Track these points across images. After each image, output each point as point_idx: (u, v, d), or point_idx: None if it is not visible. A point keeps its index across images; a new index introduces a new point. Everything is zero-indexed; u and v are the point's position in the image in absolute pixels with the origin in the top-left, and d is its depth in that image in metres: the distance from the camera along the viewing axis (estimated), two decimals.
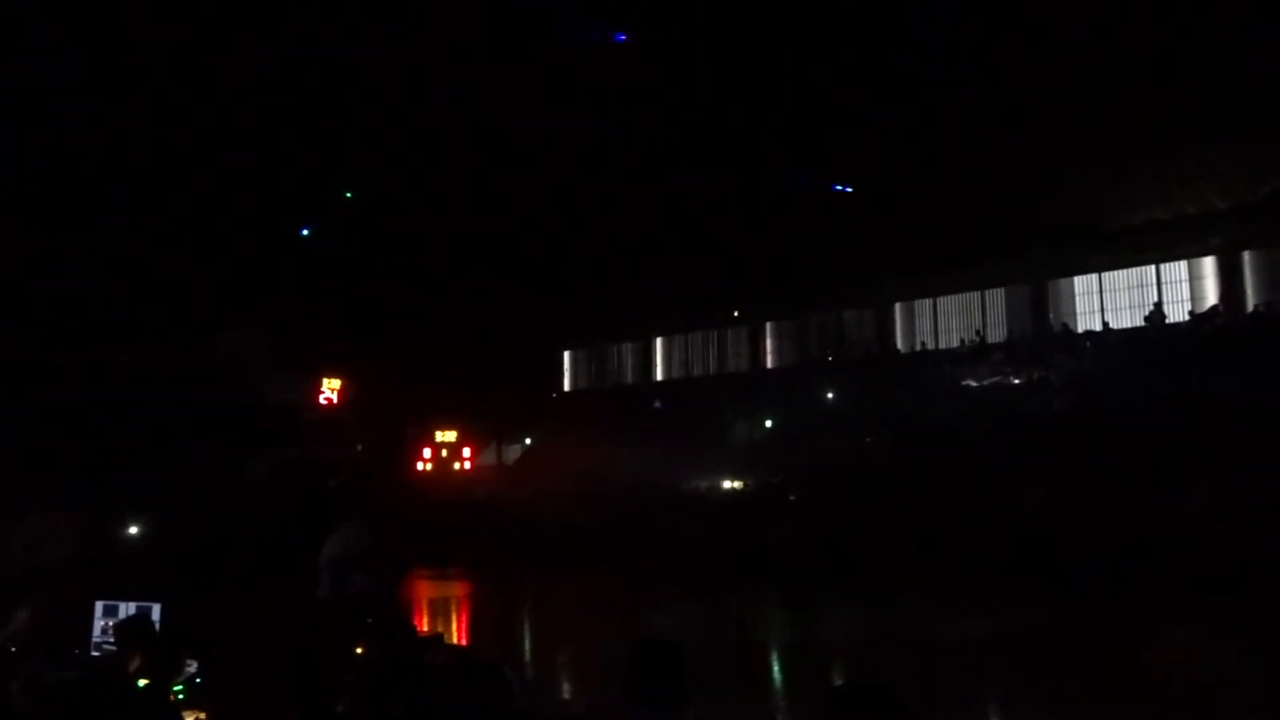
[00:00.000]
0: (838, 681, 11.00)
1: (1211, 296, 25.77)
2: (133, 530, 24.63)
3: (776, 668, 13.80)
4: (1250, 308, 24.91)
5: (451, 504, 32.43)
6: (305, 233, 24.31)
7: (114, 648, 4.95)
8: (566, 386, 40.59)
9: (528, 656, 14.95)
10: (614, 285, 30.67)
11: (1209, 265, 26.05)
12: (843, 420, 27.81)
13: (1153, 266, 26.78)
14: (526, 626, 18.66)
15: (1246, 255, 25.43)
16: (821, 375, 30.61)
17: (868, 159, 21.88)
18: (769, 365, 34.56)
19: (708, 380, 35.12)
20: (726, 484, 28.11)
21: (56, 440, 22.08)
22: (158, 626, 5.19)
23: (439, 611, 20.35)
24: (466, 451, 36.04)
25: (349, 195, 24.52)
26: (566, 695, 11.17)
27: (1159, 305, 26.17)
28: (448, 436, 35.76)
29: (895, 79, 18.81)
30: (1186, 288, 26.35)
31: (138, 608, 5.62)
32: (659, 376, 37.63)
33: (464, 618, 20.21)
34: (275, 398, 30.65)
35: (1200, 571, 16.17)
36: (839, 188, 23.32)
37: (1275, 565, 15.67)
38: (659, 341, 37.72)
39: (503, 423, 37.31)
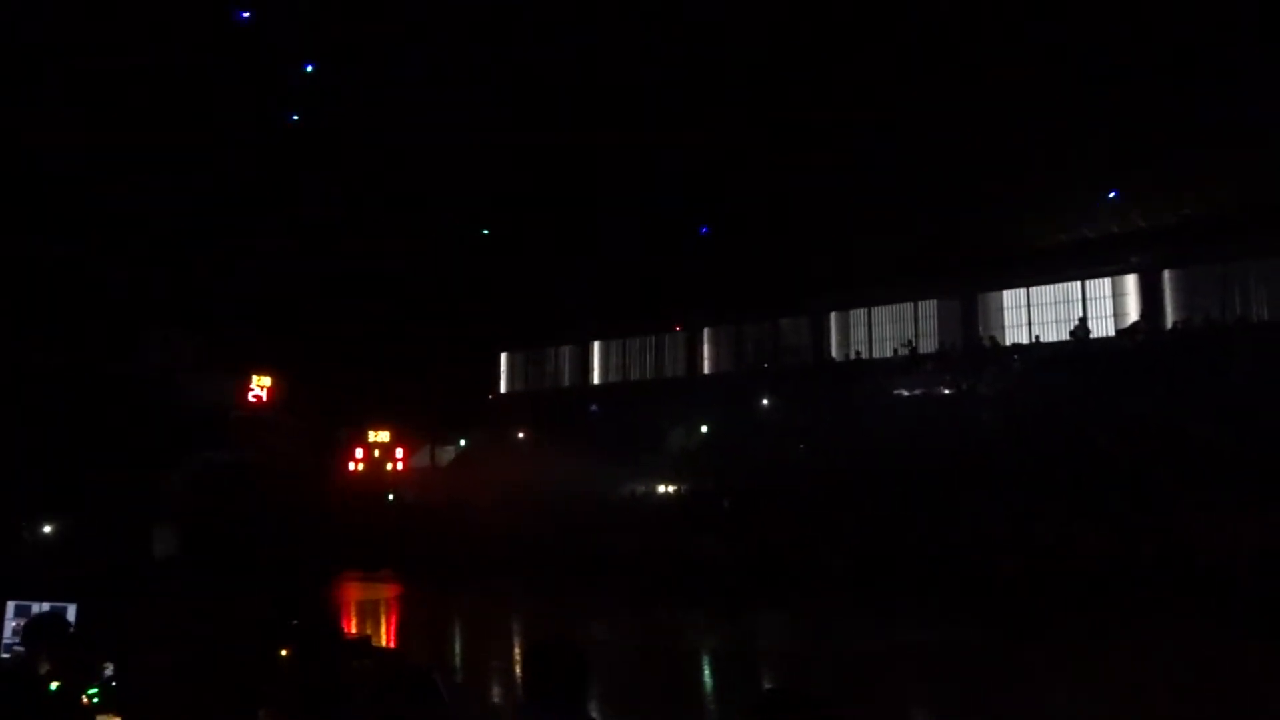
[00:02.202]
0: (763, 687, 11.08)
1: (1133, 313, 26.63)
2: (49, 530, 23.86)
3: (702, 675, 13.85)
4: (1169, 324, 25.81)
5: (383, 506, 32.00)
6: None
7: (23, 649, 4.77)
8: (503, 388, 40.31)
9: (457, 660, 14.80)
10: (553, 288, 30.53)
11: (1131, 283, 26.93)
12: (777, 427, 28.08)
13: (1078, 283, 27.60)
14: (456, 630, 18.47)
15: (1166, 274, 26.35)
16: (757, 382, 30.89)
17: (803, 172, 22.12)
18: (706, 371, 34.75)
19: (645, 385, 35.18)
20: (661, 489, 28.19)
21: None
22: (73, 628, 5.02)
23: (367, 614, 20.06)
24: (399, 453, 35.54)
25: (282, 190, 24.04)
26: (496, 699, 11.08)
27: (1083, 320, 26.95)
28: (380, 437, 35.23)
29: (832, 97, 19.03)
30: (1110, 304, 27.20)
31: (52, 608, 5.41)
32: (596, 380, 37.59)
33: (393, 621, 19.94)
34: (202, 397, 29.89)
35: (1124, 583, 16.61)
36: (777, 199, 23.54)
37: (1196, 578, 16.19)
38: (596, 346, 37.68)
39: (437, 424, 36.90)
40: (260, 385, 32.38)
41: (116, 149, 20.72)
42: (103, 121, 19.57)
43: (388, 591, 24.16)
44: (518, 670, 13.02)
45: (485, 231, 26.41)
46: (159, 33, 17.13)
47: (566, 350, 38.46)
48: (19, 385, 24.53)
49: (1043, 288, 28.19)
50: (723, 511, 24.83)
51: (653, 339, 36.00)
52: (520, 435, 34.80)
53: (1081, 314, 27.16)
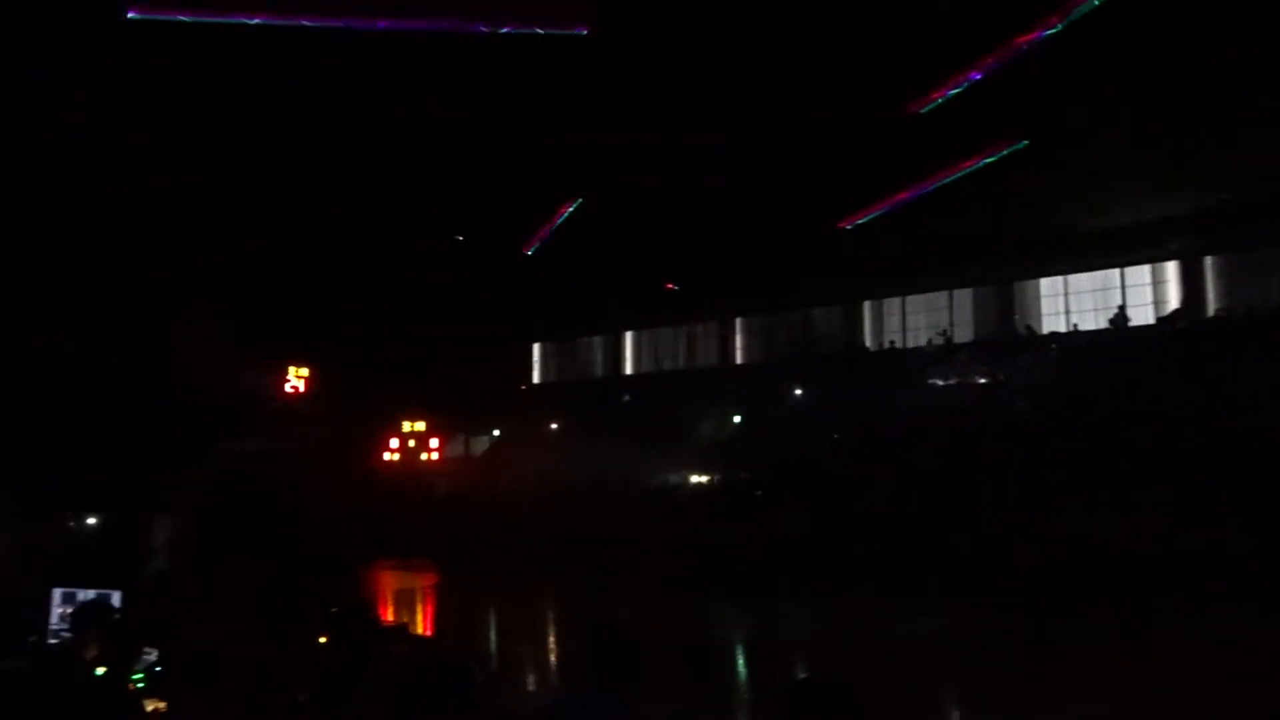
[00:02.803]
0: (792, 678, 11.08)
1: (1174, 300, 26.18)
2: (94, 520, 24.35)
3: (732, 664, 13.88)
4: (1211, 311, 25.36)
5: (418, 495, 32.30)
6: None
7: (70, 635, 4.88)
8: (536, 378, 40.50)
9: (492, 648, 14.94)
10: (585, 278, 30.55)
11: (1172, 270, 26.46)
12: (810, 417, 27.97)
13: (1117, 270, 27.15)
14: (491, 618, 18.64)
15: (1208, 261, 25.87)
16: (790, 372, 30.75)
17: (836, 160, 21.95)
18: (738, 361, 34.67)
19: (677, 375, 35.18)
20: (693, 479, 28.20)
21: (9, 429, 21.70)
22: (118, 614, 5.13)
23: (403, 602, 20.29)
24: (434, 442, 35.85)
25: (320, 183, 24.22)
26: (530, 687, 11.18)
27: (1123, 308, 26.53)
28: (416, 427, 35.56)
29: (861, 87, 18.84)
30: (1150, 291, 26.76)
31: (98, 594, 5.54)
32: (628, 370, 37.64)
33: (428, 608, 20.15)
34: (239, 388, 30.28)
35: (1156, 575, 16.42)
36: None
37: (1229, 569, 15.96)
38: (629, 336, 37.72)
39: (471, 414, 37.14)
40: (298, 376, 32.81)
41: (152, 135, 20.94)
42: (140, 107, 19.76)
43: (423, 580, 24.41)
44: (552, 658, 13.13)
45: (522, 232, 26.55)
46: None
47: (599, 340, 38.54)
48: (59, 377, 25.00)
49: (1080, 275, 27.81)
50: (755, 501, 24.81)
51: (685, 329, 35.98)
52: (553, 425, 34.96)
53: (1121, 302, 26.76)
